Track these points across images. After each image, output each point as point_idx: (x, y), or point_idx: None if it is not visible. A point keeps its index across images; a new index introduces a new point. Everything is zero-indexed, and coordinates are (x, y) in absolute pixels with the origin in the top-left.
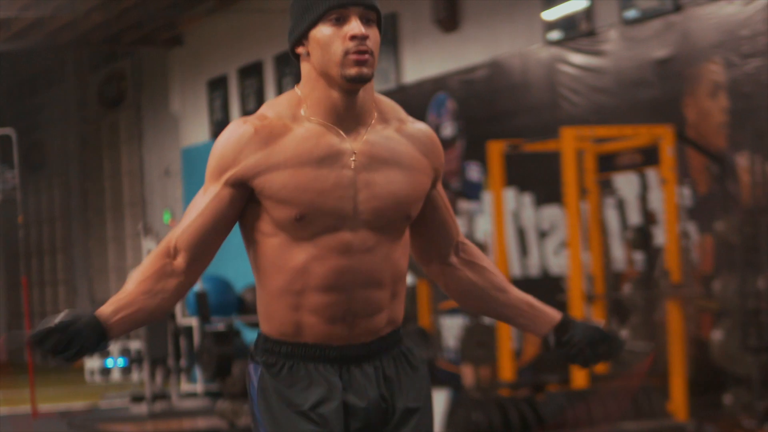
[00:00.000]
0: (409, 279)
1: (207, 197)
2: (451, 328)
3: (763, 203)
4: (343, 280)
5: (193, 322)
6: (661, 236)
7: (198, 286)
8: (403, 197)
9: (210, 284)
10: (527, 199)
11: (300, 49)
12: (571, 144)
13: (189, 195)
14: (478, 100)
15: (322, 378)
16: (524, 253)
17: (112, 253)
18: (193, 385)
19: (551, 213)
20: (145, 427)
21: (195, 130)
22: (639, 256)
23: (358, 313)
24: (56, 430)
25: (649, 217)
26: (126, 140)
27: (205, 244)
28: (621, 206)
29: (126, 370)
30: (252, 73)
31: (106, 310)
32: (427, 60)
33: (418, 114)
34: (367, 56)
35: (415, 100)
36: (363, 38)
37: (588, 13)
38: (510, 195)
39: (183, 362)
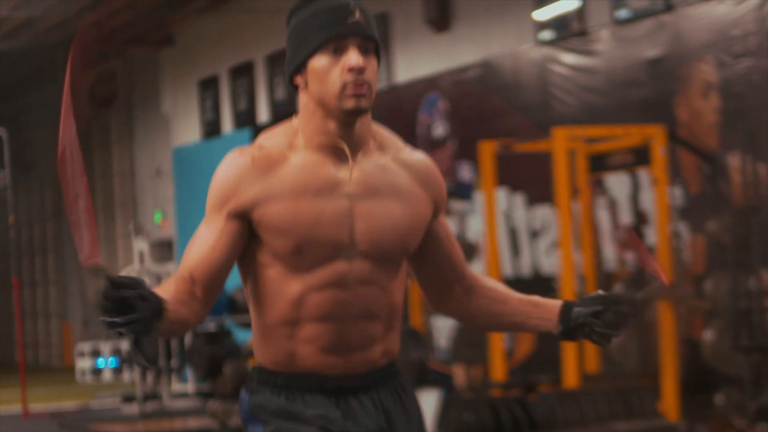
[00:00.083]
0: None
1: (214, 232)
2: (443, 328)
3: (754, 203)
4: (339, 312)
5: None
6: (652, 236)
7: None
8: (401, 229)
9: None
10: (519, 199)
11: (298, 80)
12: (562, 144)
13: (180, 195)
14: (470, 100)
15: (321, 407)
16: (516, 253)
17: (103, 253)
18: (184, 386)
19: (543, 213)
20: (137, 427)
21: (186, 130)
22: (630, 256)
23: (353, 344)
24: (47, 431)
25: (640, 217)
26: (117, 140)
27: (220, 278)
28: (612, 206)
29: (117, 371)
30: (243, 73)
31: (163, 296)
32: (418, 60)
33: (410, 114)
34: (364, 88)
35: (407, 100)
36: (361, 71)
37: (579, 13)
38: (502, 195)
39: (174, 362)
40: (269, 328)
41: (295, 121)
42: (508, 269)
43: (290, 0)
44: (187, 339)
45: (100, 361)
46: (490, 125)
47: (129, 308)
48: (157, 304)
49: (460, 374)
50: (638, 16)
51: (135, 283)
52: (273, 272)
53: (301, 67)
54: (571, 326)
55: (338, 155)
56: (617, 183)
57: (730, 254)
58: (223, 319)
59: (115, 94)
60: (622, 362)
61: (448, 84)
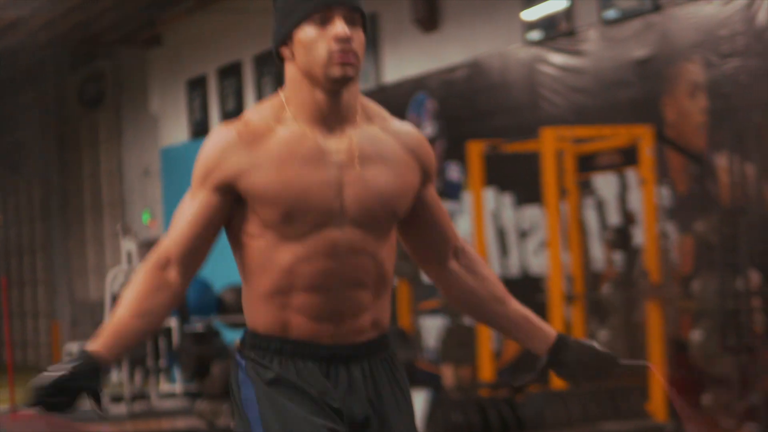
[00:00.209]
0: None
1: (195, 205)
2: (431, 328)
3: (742, 203)
4: (330, 281)
5: (173, 322)
6: (640, 236)
7: None
8: (389, 194)
9: (189, 285)
10: (507, 199)
11: (284, 51)
12: (550, 144)
13: (168, 195)
14: (458, 100)
15: (311, 378)
16: (504, 253)
17: (91, 253)
18: (172, 386)
19: (531, 213)
20: (125, 427)
21: (174, 130)
22: (618, 257)
23: (344, 312)
24: (36, 430)
25: (628, 218)
26: (105, 140)
27: (197, 253)
28: (600, 206)
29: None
30: (231, 73)
31: (103, 344)
32: (407, 60)
33: (398, 114)
34: (351, 56)
35: (395, 100)
36: (347, 39)
37: (568, 13)
38: (490, 195)
39: (162, 362)
40: (261, 297)
41: (281, 94)
42: (496, 269)
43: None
44: (175, 339)
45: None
46: (478, 125)
47: (70, 401)
48: (95, 374)
49: (448, 374)
50: (626, 17)
51: (65, 382)
52: (263, 242)
53: (287, 39)
54: (558, 361)
55: (326, 126)
56: (605, 183)
57: (718, 254)
58: (211, 319)
59: (103, 94)
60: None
61: (437, 84)
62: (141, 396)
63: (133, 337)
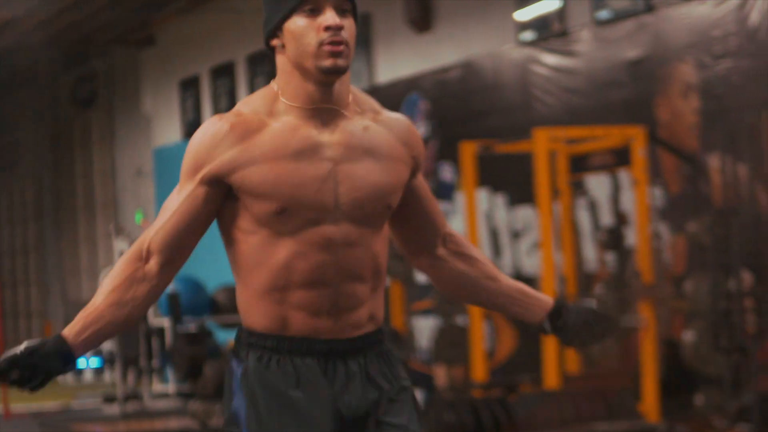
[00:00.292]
0: None
1: (182, 197)
2: (424, 328)
3: (734, 204)
4: (327, 275)
5: (165, 322)
6: (632, 237)
7: (170, 287)
8: (383, 187)
9: (182, 285)
10: (500, 199)
11: (275, 42)
12: (543, 145)
13: (161, 195)
14: (451, 101)
15: (310, 376)
16: (497, 254)
17: (84, 254)
18: (165, 386)
19: (524, 214)
20: (118, 427)
21: (167, 130)
22: (611, 257)
23: (343, 306)
24: (28, 431)
25: (621, 218)
26: (98, 140)
27: (180, 245)
28: (593, 207)
29: (98, 371)
30: (224, 73)
31: (72, 329)
32: (400, 60)
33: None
34: (342, 47)
35: (388, 100)
36: (338, 29)
37: (560, 14)
38: (483, 195)
39: (155, 363)
40: (257, 294)
41: (273, 85)
42: None
43: None
44: (168, 339)
45: (81, 362)
46: (471, 125)
47: (33, 374)
48: (62, 352)
49: (440, 374)
50: (619, 17)
51: (29, 353)
52: (257, 238)
53: (277, 30)
54: (559, 326)
55: (318, 118)
56: (598, 184)
57: (710, 255)
58: (204, 319)
59: (96, 95)
60: (603, 363)
61: (430, 84)
62: (134, 396)
63: (108, 327)
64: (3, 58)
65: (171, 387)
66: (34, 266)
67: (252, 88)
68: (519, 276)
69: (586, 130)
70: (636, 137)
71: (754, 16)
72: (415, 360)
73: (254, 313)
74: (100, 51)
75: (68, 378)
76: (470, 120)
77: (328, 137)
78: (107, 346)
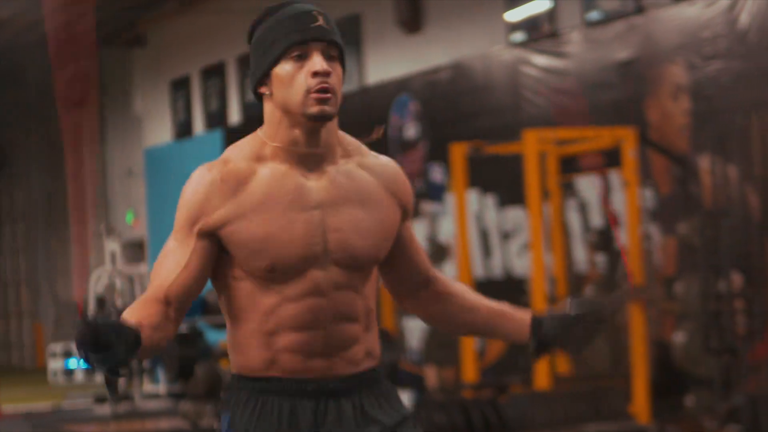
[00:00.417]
0: None
1: (186, 251)
2: (414, 330)
3: (724, 206)
4: (317, 318)
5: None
6: (623, 238)
7: None
8: (372, 237)
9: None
10: (490, 200)
11: (263, 89)
12: (533, 146)
13: (152, 195)
14: (441, 102)
15: (295, 418)
16: (487, 255)
17: (75, 254)
18: (156, 386)
19: (514, 215)
20: (109, 427)
21: (157, 130)
22: (601, 258)
23: (336, 347)
24: (20, 431)
25: (611, 219)
26: (89, 140)
27: (192, 297)
28: (583, 208)
29: (89, 371)
30: (214, 73)
31: (131, 320)
32: (389, 61)
33: (381, 115)
34: (329, 95)
35: (378, 101)
36: (325, 74)
37: (551, 15)
38: (473, 196)
39: (146, 363)
40: (246, 338)
41: (260, 132)
42: (479, 270)
43: (262, 1)
44: None
45: (71, 362)
46: (461, 126)
47: (105, 346)
48: (133, 340)
49: (431, 375)
50: (609, 18)
51: (112, 322)
52: (247, 285)
53: (265, 76)
54: (543, 341)
55: (306, 164)
56: (588, 185)
57: (701, 256)
58: (195, 320)
59: (86, 95)
60: (593, 364)
61: (420, 85)
62: (125, 397)
63: (152, 340)
64: None
65: (162, 387)
66: (24, 266)
67: (242, 89)
68: (509, 277)
69: (576, 131)
70: (626, 138)
71: (744, 18)
72: (406, 361)
73: (245, 355)
74: (90, 51)
75: (59, 378)
76: (460, 121)
77: (315, 183)
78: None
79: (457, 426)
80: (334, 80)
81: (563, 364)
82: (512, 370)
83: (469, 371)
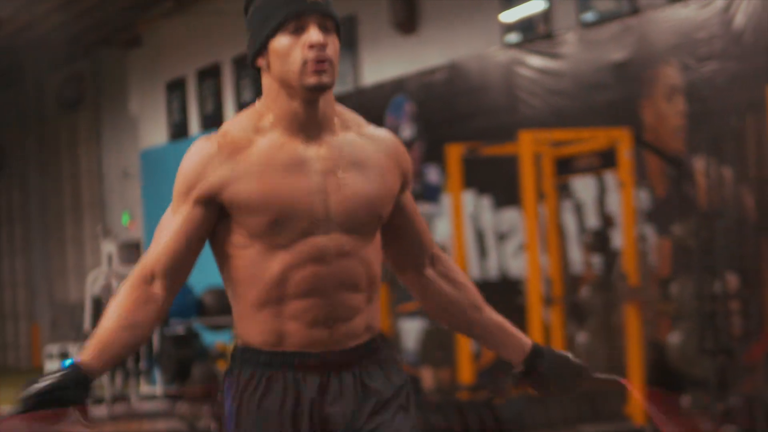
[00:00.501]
0: None
1: (178, 219)
2: (410, 331)
3: (719, 207)
4: (322, 285)
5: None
6: (618, 239)
7: None
8: (373, 197)
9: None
10: (486, 201)
11: (260, 62)
12: (529, 148)
13: (148, 196)
14: (437, 103)
15: (298, 392)
16: (483, 256)
17: (71, 255)
18: (153, 388)
19: (510, 216)
20: (105, 428)
21: (153, 131)
22: (597, 259)
23: (339, 316)
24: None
25: (606, 221)
26: (85, 141)
27: (182, 267)
28: (579, 209)
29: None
30: (210, 75)
31: (88, 356)
32: (385, 62)
33: (376, 117)
34: (326, 65)
35: (374, 102)
36: (322, 46)
37: (546, 16)
38: (469, 197)
39: (142, 364)
40: (252, 308)
41: (258, 105)
42: (475, 271)
43: None
44: (156, 341)
45: (68, 363)
46: (457, 128)
47: (48, 404)
48: (82, 385)
49: (427, 377)
50: (604, 19)
51: (52, 390)
52: (251, 253)
53: (262, 49)
54: (531, 372)
55: (305, 135)
56: (583, 186)
57: (696, 257)
58: (191, 321)
59: (82, 96)
60: (589, 365)
61: (415, 86)
62: (121, 398)
63: (121, 350)
64: None
65: (158, 389)
66: (20, 267)
67: (238, 90)
68: (505, 278)
69: (571, 132)
70: (621, 139)
71: (739, 19)
72: (402, 362)
73: (250, 328)
74: (86, 52)
75: None
76: (456, 122)
77: (315, 152)
78: None
79: (453, 427)
80: (330, 51)
81: None
82: (508, 372)
83: (466, 373)
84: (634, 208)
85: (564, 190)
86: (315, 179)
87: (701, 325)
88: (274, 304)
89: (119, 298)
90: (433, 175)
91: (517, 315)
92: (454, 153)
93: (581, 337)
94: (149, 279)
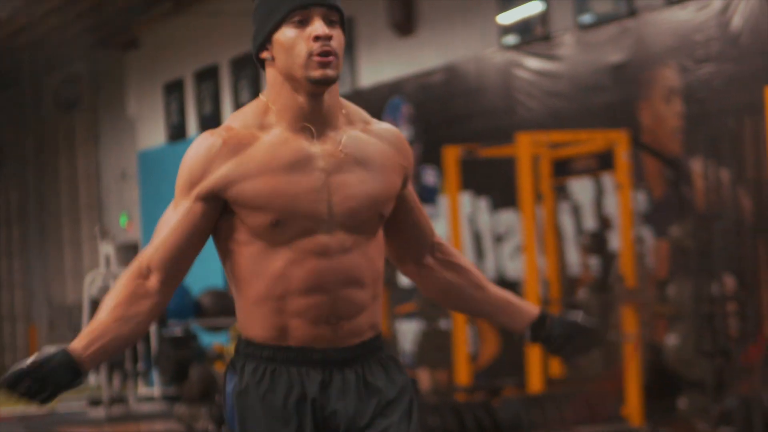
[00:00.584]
0: None
1: (179, 213)
2: (408, 332)
3: (717, 208)
4: (325, 281)
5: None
6: (616, 241)
7: None
8: (376, 196)
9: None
10: (483, 203)
11: (264, 54)
12: (526, 149)
13: (146, 198)
14: (434, 105)
15: (302, 388)
16: (480, 258)
17: (68, 256)
18: (151, 389)
19: (507, 218)
20: (103, 430)
21: (151, 133)
22: (594, 261)
23: (342, 314)
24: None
25: (604, 222)
26: (82, 143)
27: (180, 262)
28: (576, 211)
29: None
30: (208, 76)
31: (79, 344)
32: (382, 64)
33: (374, 118)
34: (331, 58)
35: (371, 104)
36: (327, 39)
37: (543, 18)
38: (466, 199)
39: (140, 366)
40: (255, 304)
41: (262, 97)
42: None
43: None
44: (153, 343)
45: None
46: (454, 129)
47: (41, 387)
48: (69, 367)
49: (424, 378)
50: (602, 21)
51: (37, 367)
52: (253, 249)
53: (267, 42)
54: (541, 337)
55: (309, 129)
56: (581, 188)
57: (693, 259)
58: (189, 323)
59: (80, 97)
60: (586, 367)
61: (413, 88)
62: (119, 399)
63: (113, 342)
64: None
65: (156, 390)
66: (18, 269)
67: (236, 91)
68: (502, 280)
69: (569, 134)
70: (619, 141)
71: (737, 21)
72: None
73: (253, 323)
74: (84, 54)
75: None
76: (453, 124)
77: (319, 148)
78: None
79: (450, 429)
80: (335, 44)
81: (556, 367)
82: (505, 373)
83: (462, 374)
84: (631, 210)
85: (561, 192)
86: (318, 177)
87: (698, 327)
88: (276, 301)
89: (114, 292)
90: (430, 176)
91: None
92: (452, 155)
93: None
94: (145, 273)
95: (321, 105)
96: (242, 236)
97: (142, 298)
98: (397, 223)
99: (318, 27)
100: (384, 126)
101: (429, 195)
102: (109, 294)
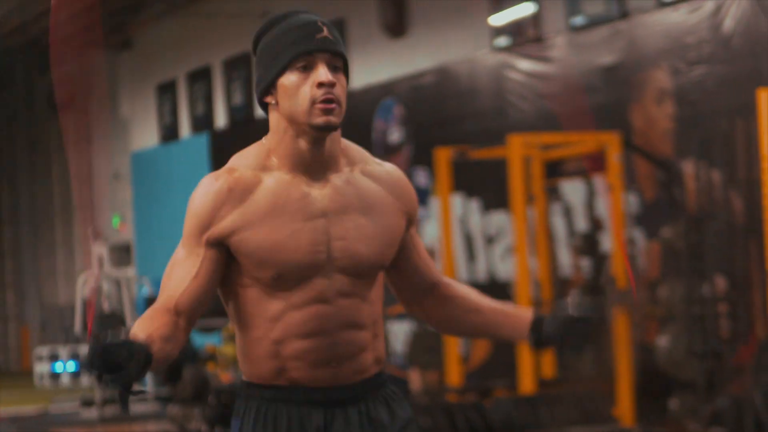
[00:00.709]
0: None
1: (196, 260)
2: (399, 333)
3: (708, 210)
4: (323, 326)
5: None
6: (607, 242)
7: (148, 291)
8: (376, 244)
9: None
10: (474, 204)
11: (268, 99)
12: (518, 151)
13: (138, 199)
14: (426, 106)
15: (303, 428)
16: (471, 259)
17: (61, 257)
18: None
19: (498, 219)
20: (96, 431)
21: (144, 134)
22: (586, 263)
23: (343, 355)
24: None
25: (595, 224)
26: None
27: (203, 305)
28: (568, 212)
29: (76, 375)
30: (201, 77)
31: (141, 335)
32: (374, 65)
33: (366, 119)
34: (334, 105)
35: (363, 105)
36: (330, 85)
37: (535, 20)
38: (457, 201)
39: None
40: (254, 345)
41: (265, 141)
42: (463, 274)
43: (248, 4)
44: None
45: (58, 365)
46: (446, 131)
47: (117, 366)
48: (144, 358)
49: (415, 379)
50: (593, 23)
51: (122, 342)
52: (253, 292)
53: (271, 86)
54: (543, 339)
55: (310, 173)
56: (572, 189)
57: (685, 260)
58: None
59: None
60: (578, 368)
61: (404, 89)
62: (112, 400)
63: (162, 353)
64: None
65: (150, 391)
66: (10, 270)
67: (228, 92)
68: (493, 281)
69: (560, 135)
70: (610, 143)
71: (728, 23)
72: (390, 364)
73: (253, 363)
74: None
75: (45, 382)
76: (445, 125)
77: (320, 191)
78: (85, 350)
79: (442, 429)
80: (338, 91)
81: (547, 367)
82: (496, 374)
83: (454, 375)
84: (623, 212)
85: (553, 194)
86: (319, 224)
87: (690, 328)
88: (274, 344)
89: (155, 320)
90: (421, 178)
91: None
92: (443, 156)
93: (592, 306)
94: (174, 312)
95: (323, 150)
96: (243, 280)
97: (178, 331)
98: (399, 267)
99: (322, 73)
100: (385, 168)
101: (420, 196)
102: (144, 319)
